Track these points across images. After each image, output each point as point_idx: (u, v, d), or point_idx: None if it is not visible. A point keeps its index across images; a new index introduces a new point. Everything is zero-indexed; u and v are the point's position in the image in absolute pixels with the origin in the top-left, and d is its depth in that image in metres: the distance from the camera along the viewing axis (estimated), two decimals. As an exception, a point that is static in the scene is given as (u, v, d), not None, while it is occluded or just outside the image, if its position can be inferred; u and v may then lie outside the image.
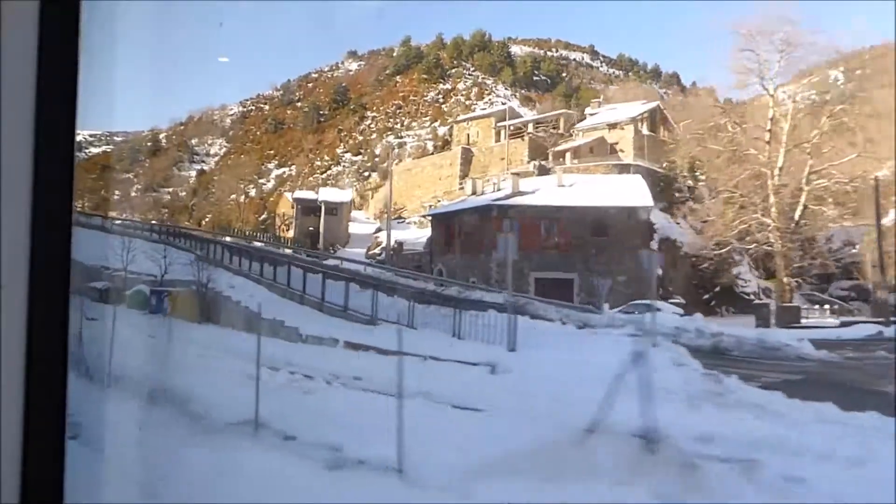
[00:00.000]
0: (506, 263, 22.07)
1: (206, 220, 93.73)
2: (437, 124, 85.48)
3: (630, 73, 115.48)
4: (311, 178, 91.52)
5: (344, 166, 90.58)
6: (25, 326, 1.32)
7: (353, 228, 59.55)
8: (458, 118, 65.13)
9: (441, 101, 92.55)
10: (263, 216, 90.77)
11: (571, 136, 51.38)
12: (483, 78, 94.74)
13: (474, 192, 43.06)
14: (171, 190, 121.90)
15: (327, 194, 57.54)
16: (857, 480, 6.29)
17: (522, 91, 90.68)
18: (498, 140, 58.93)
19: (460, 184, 56.58)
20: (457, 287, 27.38)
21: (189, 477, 6.25)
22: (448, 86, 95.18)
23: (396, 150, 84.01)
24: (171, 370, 14.41)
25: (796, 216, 31.38)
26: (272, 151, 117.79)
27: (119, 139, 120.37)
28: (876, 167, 29.47)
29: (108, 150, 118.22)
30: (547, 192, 38.22)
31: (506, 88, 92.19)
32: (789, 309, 31.74)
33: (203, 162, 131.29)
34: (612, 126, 48.45)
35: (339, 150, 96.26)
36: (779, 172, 30.58)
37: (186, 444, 7.75)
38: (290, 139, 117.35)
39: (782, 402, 10.22)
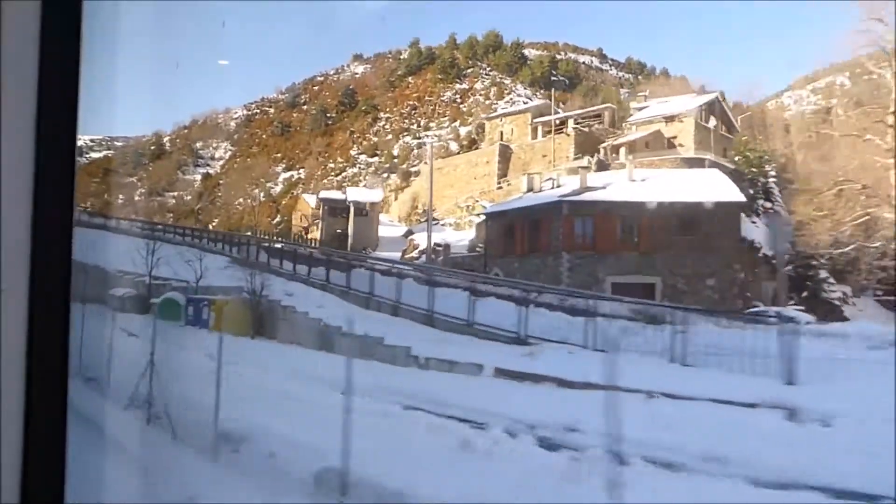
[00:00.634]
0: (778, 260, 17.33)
1: (214, 223, 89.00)
2: (456, 124, 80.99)
3: (640, 77, 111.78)
4: (324, 181, 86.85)
5: (360, 168, 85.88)
6: (26, 328, 1.27)
7: (379, 231, 54.98)
8: (490, 115, 60.64)
9: (458, 101, 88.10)
10: (276, 219, 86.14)
11: (622, 130, 47.05)
12: (500, 78, 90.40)
13: (531, 189, 38.50)
14: (175, 194, 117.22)
15: (356, 194, 52.84)
16: None
17: (542, 91, 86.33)
18: (535, 137, 54.50)
19: (499, 183, 52.07)
20: (553, 293, 22.71)
21: None
22: (465, 86, 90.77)
23: (416, 151, 79.46)
24: (237, 404, 9.81)
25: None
26: (279, 154, 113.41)
27: (120, 144, 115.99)
28: None
29: (111, 154, 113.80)
30: (620, 187, 33.73)
31: (525, 88, 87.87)
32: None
33: (208, 165, 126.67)
34: (670, 119, 44.15)
35: (353, 152, 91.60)
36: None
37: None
38: (297, 142, 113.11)
39: None
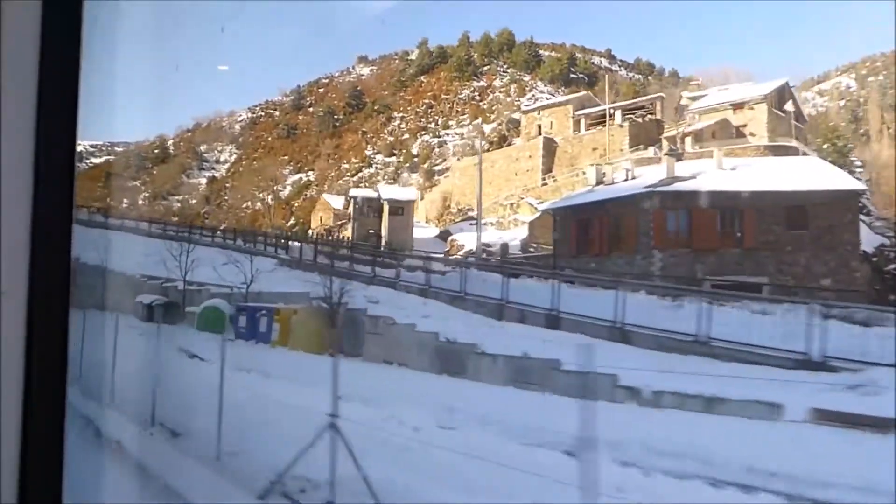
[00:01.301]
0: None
1: (222, 227, 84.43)
2: (478, 121, 76.57)
3: (650, 77, 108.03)
4: (339, 181, 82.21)
5: (377, 168, 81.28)
6: (25, 329, 1.26)
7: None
8: (527, 108, 56.24)
9: (477, 98, 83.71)
10: (290, 222, 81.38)
11: (684, 119, 42.75)
12: (518, 75, 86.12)
13: (600, 182, 34.06)
14: (180, 198, 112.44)
15: (390, 192, 48.18)
16: None
17: (563, 88, 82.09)
18: (577, 130, 50.15)
19: (543, 178, 47.63)
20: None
21: None
22: (483, 83, 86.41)
23: (437, 150, 75.00)
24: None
25: None
26: (286, 157, 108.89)
27: (120, 149, 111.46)
28: None
29: (111, 159, 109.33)
30: (711, 176, 29.35)
31: (545, 85, 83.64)
32: None
33: (213, 169, 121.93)
34: (738, 106, 39.89)
35: (368, 152, 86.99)
36: None
37: None
38: (304, 144, 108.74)
39: None
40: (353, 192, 50.54)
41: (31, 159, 1.29)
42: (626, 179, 32.71)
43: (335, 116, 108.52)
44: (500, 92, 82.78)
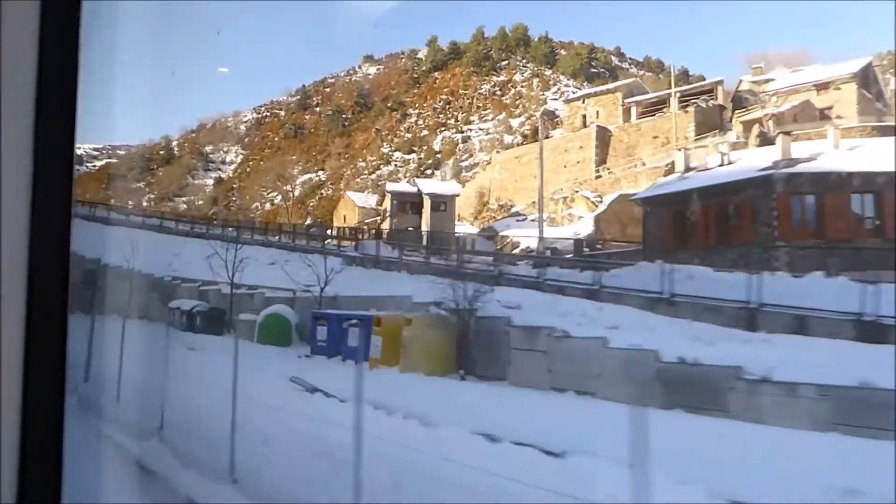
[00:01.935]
0: None
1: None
2: (502, 116, 72.17)
3: (660, 76, 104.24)
4: (357, 180, 77.67)
5: (395, 165, 76.68)
6: (24, 330, 1.25)
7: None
8: (570, 97, 51.83)
9: (498, 93, 79.32)
10: (307, 221, 76.71)
11: (758, 103, 38.44)
12: (539, 69, 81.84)
13: (690, 168, 29.69)
14: (186, 199, 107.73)
15: (432, 186, 43.66)
16: None
17: (587, 83, 77.86)
18: (627, 118, 45.81)
19: (597, 170, 43.23)
20: None
21: None
22: (502, 78, 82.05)
23: (462, 145, 70.57)
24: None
25: None
26: (294, 157, 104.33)
27: (122, 152, 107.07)
28: None
29: (113, 162, 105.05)
30: (834, 157, 25.03)
31: (567, 79, 79.40)
32: None
33: (219, 170, 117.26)
34: (823, 87, 35.66)
35: (385, 150, 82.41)
36: None
37: None
38: (312, 144, 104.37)
39: None
40: (390, 187, 45.92)
41: (30, 161, 1.26)
42: (723, 164, 28.36)
43: (343, 116, 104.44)
44: (521, 86, 78.40)
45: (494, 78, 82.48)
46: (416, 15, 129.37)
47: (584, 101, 49.01)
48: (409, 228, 43.14)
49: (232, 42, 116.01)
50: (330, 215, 68.09)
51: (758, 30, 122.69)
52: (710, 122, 39.77)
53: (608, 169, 42.43)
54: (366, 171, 79.13)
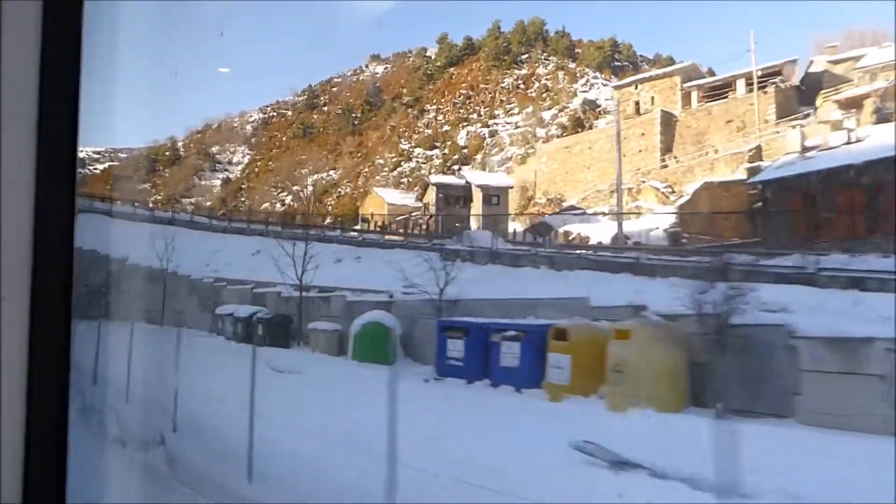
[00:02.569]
0: None
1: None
2: (529, 109, 67.85)
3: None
4: (377, 177, 73.19)
5: (417, 161, 72.20)
6: (28, 331, 1.23)
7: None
8: (621, 83, 47.53)
9: (522, 86, 75.03)
10: (327, 220, 72.20)
11: (830, 83, 34.30)
12: (563, 62, 77.64)
13: (807, 148, 25.44)
14: (193, 200, 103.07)
15: (482, 178, 39.23)
16: None
17: (615, 77, 73.69)
18: (687, 104, 41.61)
19: (663, 158, 38.97)
20: None
21: None
22: (525, 71, 77.80)
23: (489, 140, 66.24)
24: None
25: None
26: (304, 156, 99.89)
27: (124, 155, 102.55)
28: None
29: (115, 165, 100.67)
30: None
31: (593, 72, 75.23)
32: None
33: (226, 170, 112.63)
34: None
35: (404, 146, 77.96)
36: None
37: None
38: (322, 143, 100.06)
39: None
40: (435, 179, 41.40)
41: (33, 162, 1.25)
42: (849, 142, 24.14)
43: (353, 115, 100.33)
44: (546, 79, 74.17)
45: (516, 71, 78.20)
46: (417, 15, 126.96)
47: (636, 87, 44.77)
48: (457, 224, 38.73)
49: (233, 43, 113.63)
50: (351, 213, 63.64)
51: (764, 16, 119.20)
52: (789, 104, 35.62)
53: (675, 157, 38.20)
54: (385, 169, 74.65)
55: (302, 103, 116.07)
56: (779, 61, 38.92)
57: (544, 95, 69.95)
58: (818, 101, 34.44)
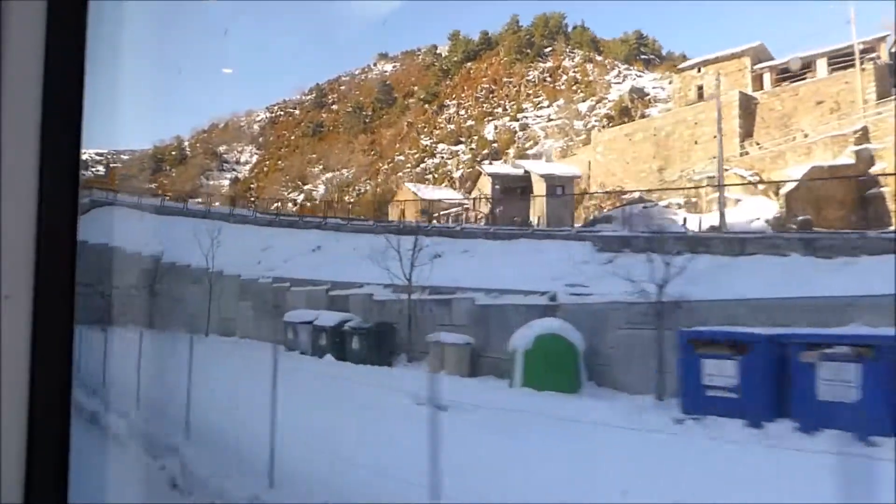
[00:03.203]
0: None
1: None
2: (560, 101, 63.67)
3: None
4: (399, 174, 68.81)
5: (442, 157, 67.87)
6: (31, 331, 1.22)
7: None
8: (682, 65, 43.30)
9: (549, 79, 70.90)
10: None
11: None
12: (590, 55, 73.61)
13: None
14: (200, 200, 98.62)
15: (546, 168, 34.97)
16: None
17: (646, 69, 69.69)
18: (759, 86, 37.52)
19: (742, 145, 34.80)
20: None
21: None
22: (550, 64, 73.69)
23: (520, 133, 62.01)
24: None
25: None
26: (315, 155, 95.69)
27: (126, 157, 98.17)
28: None
29: (118, 167, 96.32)
30: None
31: (620, 63, 71.22)
32: None
33: (234, 170, 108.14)
34: None
35: (425, 141, 73.65)
36: None
37: None
38: (333, 141, 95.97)
39: None
40: (490, 169, 37.02)
41: (36, 162, 1.22)
42: None
43: (364, 113, 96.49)
44: (574, 72, 70.06)
45: (541, 64, 74.09)
46: (419, 14, 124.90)
47: (699, 70, 40.58)
48: (515, 217, 34.42)
49: (237, 43, 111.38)
50: (374, 210, 59.30)
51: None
52: (884, 83, 31.60)
53: (756, 143, 34.06)
54: (408, 165, 70.35)
55: (310, 102, 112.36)
56: (870, 38, 34.90)
57: (574, 88, 65.80)
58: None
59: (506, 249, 15.77)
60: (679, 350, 8.99)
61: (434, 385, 5.24)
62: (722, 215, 26.33)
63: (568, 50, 75.64)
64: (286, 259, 21.61)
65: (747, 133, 34.76)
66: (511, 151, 57.90)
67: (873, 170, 27.20)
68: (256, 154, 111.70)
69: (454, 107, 77.40)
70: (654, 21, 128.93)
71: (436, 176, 62.80)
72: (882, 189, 26.57)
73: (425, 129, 77.43)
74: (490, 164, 55.03)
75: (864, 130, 29.09)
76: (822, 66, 35.79)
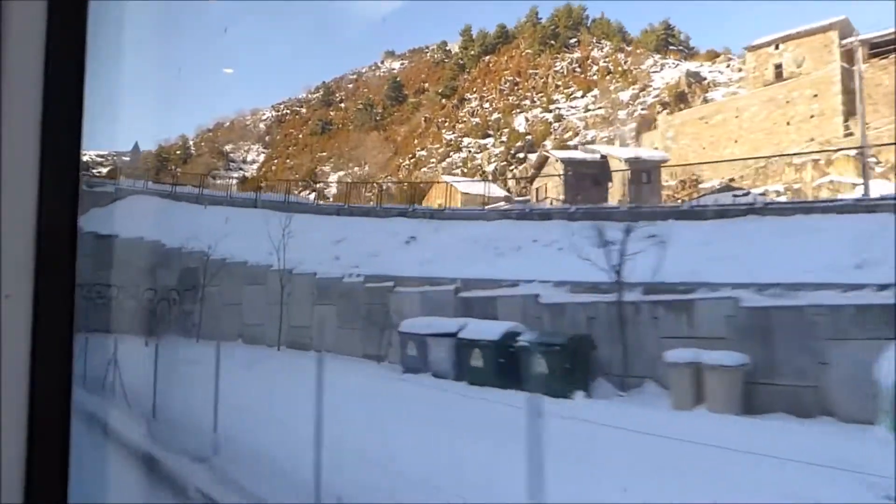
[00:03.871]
0: None
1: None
2: (595, 91, 59.38)
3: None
4: (424, 169, 64.30)
5: (469, 151, 63.32)
6: (31, 330, 1.19)
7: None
8: (754, 44, 38.83)
9: (578, 70, 66.60)
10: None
11: None
12: (619, 45, 69.46)
13: None
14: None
15: (629, 153, 30.47)
16: None
17: (682, 60, 65.51)
18: (851, 62, 33.24)
19: (847, 125, 30.50)
20: None
21: None
22: (577, 55, 69.42)
23: (556, 125, 57.62)
24: None
25: None
26: (325, 153, 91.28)
27: (127, 159, 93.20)
28: None
29: (120, 168, 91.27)
30: None
31: (653, 53, 67.08)
32: None
33: (241, 169, 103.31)
34: None
35: (448, 136, 69.15)
36: None
37: None
38: (343, 139, 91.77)
39: None
40: (560, 154, 32.46)
41: (37, 163, 1.20)
42: None
43: (374, 110, 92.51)
44: (605, 62, 65.83)
45: (568, 55, 69.83)
46: (422, 14, 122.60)
47: (776, 47, 36.25)
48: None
49: (238, 42, 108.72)
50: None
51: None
52: None
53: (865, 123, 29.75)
54: (433, 160, 65.84)
55: (317, 100, 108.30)
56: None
57: (608, 77, 61.55)
58: None
59: (725, 231, 11.26)
60: None
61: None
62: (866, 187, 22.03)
63: (594, 41, 71.51)
64: (374, 253, 16.95)
65: (850, 111, 30.47)
66: (548, 143, 53.49)
67: None
68: (263, 153, 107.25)
69: (476, 100, 73.04)
70: (670, 12, 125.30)
71: (464, 170, 58.33)
72: None
73: (446, 124, 73.06)
74: (525, 157, 50.48)
75: None
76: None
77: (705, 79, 48.41)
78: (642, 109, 48.87)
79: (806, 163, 28.82)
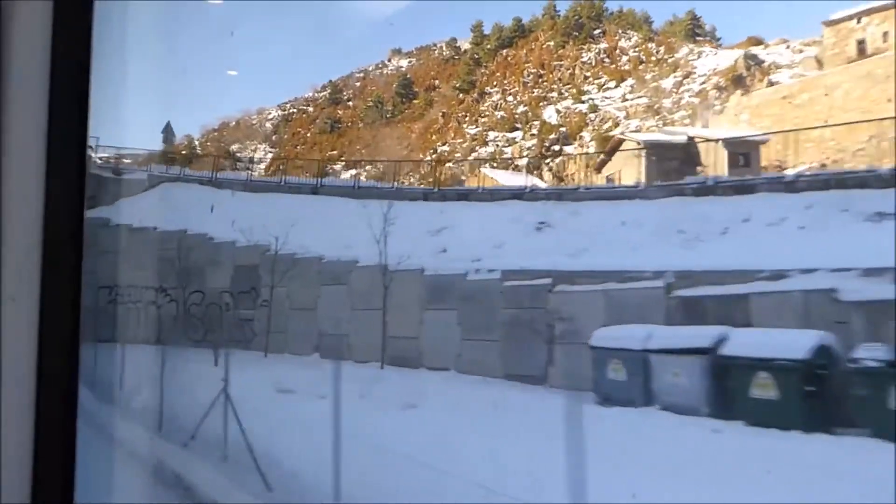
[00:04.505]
0: None
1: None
2: (630, 81, 55.73)
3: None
4: (449, 165, 60.52)
5: (497, 145, 59.43)
6: (37, 330, 1.18)
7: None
8: (832, 19, 34.96)
9: (607, 61, 62.92)
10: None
11: None
12: (649, 34, 65.99)
13: None
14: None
15: (720, 132, 26.71)
16: None
17: (713, 50, 62.07)
18: (948, 37, 29.60)
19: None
20: None
21: None
22: (604, 45, 65.81)
23: (591, 116, 53.86)
24: None
25: None
26: (335, 151, 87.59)
27: (128, 160, 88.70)
28: None
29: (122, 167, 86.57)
30: None
31: (684, 42, 63.62)
32: None
33: (248, 169, 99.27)
34: None
35: (471, 130, 65.34)
36: None
37: None
38: (353, 137, 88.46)
39: None
40: (639, 136, 28.63)
41: (42, 163, 1.18)
42: None
43: (385, 107, 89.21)
44: (636, 51, 62.20)
45: (594, 46, 66.23)
46: (425, 14, 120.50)
47: (858, 21, 32.57)
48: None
49: (242, 42, 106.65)
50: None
51: None
52: None
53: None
54: (457, 154, 62.02)
55: (324, 99, 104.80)
56: None
57: (641, 67, 57.94)
58: None
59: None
60: None
61: None
62: None
63: (620, 31, 67.98)
64: (498, 244, 12.96)
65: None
66: (586, 134, 49.72)
67: None
68: (270, 152, 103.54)
69: (497, 94, 69.30)
70: (691, 3, 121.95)
71: (493, 165, 54.54)
72: None
73: (466, 119, 69.31)
74: (561, 150, 46.87)
75: None
76: None
77: (763, 61, 44.87)
78: (690, 97, 45.20)
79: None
